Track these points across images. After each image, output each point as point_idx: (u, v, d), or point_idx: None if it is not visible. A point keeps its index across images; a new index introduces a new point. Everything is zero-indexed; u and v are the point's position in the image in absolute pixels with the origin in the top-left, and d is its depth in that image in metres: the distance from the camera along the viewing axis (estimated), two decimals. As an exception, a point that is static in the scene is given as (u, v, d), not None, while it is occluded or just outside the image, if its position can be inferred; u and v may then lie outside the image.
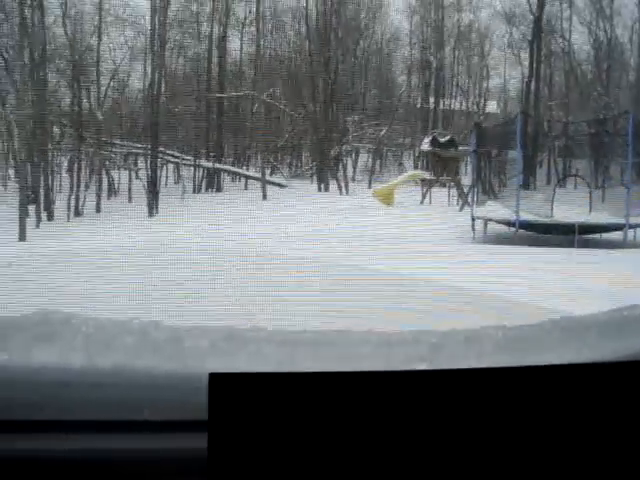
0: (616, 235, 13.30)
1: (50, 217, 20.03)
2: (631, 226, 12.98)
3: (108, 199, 23.10)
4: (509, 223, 13.75)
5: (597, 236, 13.52)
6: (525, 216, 13.48)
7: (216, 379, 0.82)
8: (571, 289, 7.06)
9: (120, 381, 0.97)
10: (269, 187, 23.16)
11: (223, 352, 1.02)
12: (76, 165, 22.14)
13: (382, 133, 27.85)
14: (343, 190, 23.08)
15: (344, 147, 26.87)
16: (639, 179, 15.62)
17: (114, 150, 24.55)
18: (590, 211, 13.73)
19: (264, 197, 22.33)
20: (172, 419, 0.96)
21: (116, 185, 24.67)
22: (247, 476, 0.83)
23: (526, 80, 25.38)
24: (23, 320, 1.02)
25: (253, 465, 0.82)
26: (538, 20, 23.99)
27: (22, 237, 15.67)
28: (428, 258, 8.95)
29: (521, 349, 1.09)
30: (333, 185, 23.51)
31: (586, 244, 12.72)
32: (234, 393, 0.82)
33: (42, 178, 20.63)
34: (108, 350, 1.00)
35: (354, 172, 28.04)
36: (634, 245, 12.69)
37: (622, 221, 12.96)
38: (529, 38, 25.01)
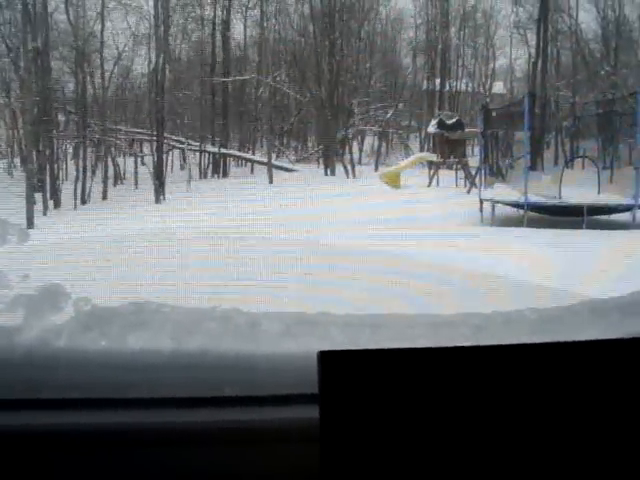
0: (625, 216, 13.23)
1: (57, 204, 20.04)
2: (640, 207, 12.92)
3: (114, 186, 23.10)
4: (517, 205, 13.68)
5: (606, 217, 13.45)
6: (533, 198, 13.40)
7: (325, 356, 0.92)
8: (586, 271, 7.02)
9: (205, 362, 1.06)
10: (275, 171, 23.09)
11: (295, 335, 1.12)
12: (81, 152, 22.11)
13: (388, 115, 27.70)
14: (350, 174, 22.98)
15: (350, 130, 26.74)
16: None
17: (119, 136, 24.52)
18: (599, 192, 13.64)
19: (270, 181, 22.27)
20: (248, 395, 1.06)
21: (122, 172, 24.68)
22: (356, 442, 0.93)
23: (533, 60, 25.15)
24: (119, 309, 1.10)
25: (360, 432, 0.93)
26: (544, -1, 23.73)
27: (30, 225, 15.70)
28: (440, 243, 8.92)
29: (553, 330, 1.19)
30: (340, 168, 23.41)
31: (595, 225, 12.65)
32: (343, 369, 0.92)
33: (48, 166, 20.63)
34: (194, 334, 1.08)
35: (360, 155, 27.92)
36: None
37: (631, 202, 12.89)
38: (535, 17, 24.77)
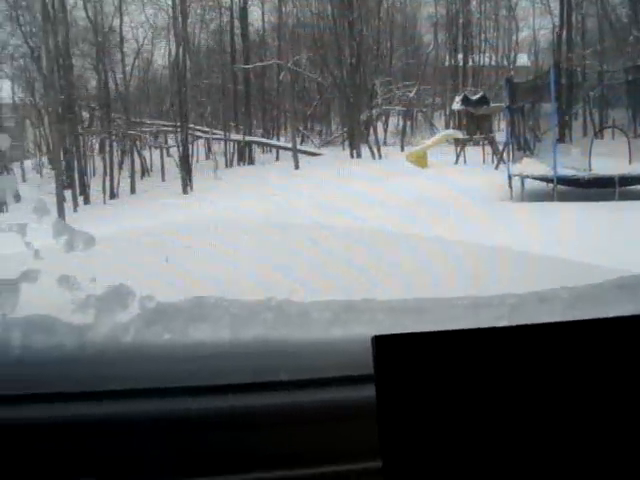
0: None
1: (87, 200, 20.26)
2: (674, 175, 12.62)
3: (141, 179, 23.26)
4: (547, 179, 13.46)
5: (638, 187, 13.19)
6: (563, 171, 13.16)
7: (380, 341, 0.99)
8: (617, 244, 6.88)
9: (261, 350, 1.16)
10: (301, 156, 23.03)
11: (344, 322, 1.19)
12: (107, 147, 22.27)
13: (411, 94, 27.43)
14: (376, 155, 22.82)
15: (374, 111, 26.54)
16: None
17: (143, 129, 24.64)
18: (630, 162, 13.35)
19: (296, 167, 22.23)
20: (305, 378, 1.16)
21: (148, 164, 24.84)
22: (411, 419, 1.00)
23: (557, 30, 24.67)
24: (181, 304, 1.20)
25: (416, 414, 1.00)
26: (567, -35, 23.23)
27: (60, 222, 15.85)
28: (473, 221, 8.82)
29: (585, 308, 1.24)
30: (365, 150, 23.25)
31: (627, 196, 12.41)
32: (396, 352, 1.00)
33: (75, 162, 20.82)
34: (251, 325, 1.18)
35: (385, 135, 27.73)
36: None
37: (664, 170, 12.61)
38: (558, -15, 24.25)
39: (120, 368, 1.13)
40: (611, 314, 1.16)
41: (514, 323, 1.10)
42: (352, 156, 23.71)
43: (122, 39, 24.59)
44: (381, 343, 1.00)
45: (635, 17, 23.84)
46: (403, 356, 1.01)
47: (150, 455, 1.12)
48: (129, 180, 21.55)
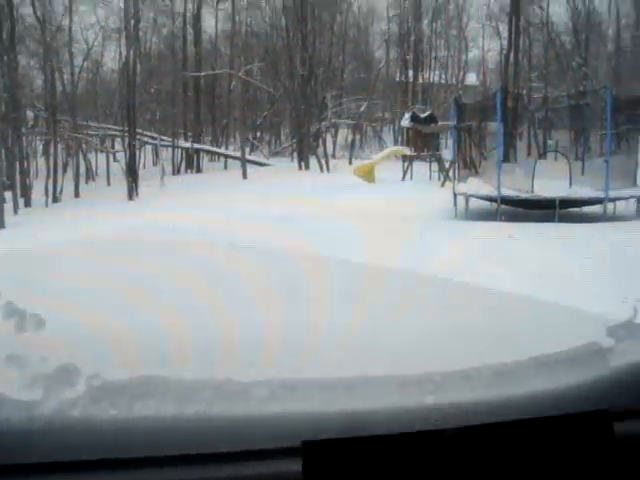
0: (596, 208, 13.34)
1: (28, 203, 19.74)
2: (610, 199, 13.01)
3: (86, 183, 22.83)
4: (491, 199, 13.73)
5: (577, 210, 13.56)
6: (507, 192, 13.46)
7: (308, 446, 1.04)
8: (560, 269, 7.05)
9: (202, 425, 1.16)
10: (249, 166, 22.95)
11: (280, 398, 1.23)
12: (52, 149, 21.76)
13: (362, 108, 27.65)
14: (324, 167, 22.87)
15: (323, 123, 26.67)
16: (618, 151, 15.63)
17: (90, 132, 24.20)
18: (570, 185, 13.72)
19: (244, 176, 22.14)
20: (240, 450, 1.16)
21: (94, 169, 24.40)
22: None
23: (505, 52, 25.25)
24: (126, 382, 1.21)
25: None
26: (516, -9, 23.80)
27: (0, 224, 15.46)
28: (411, 239, 8.92)
29: (505, 385, 1.25)
30: (314, 162, 23.30)
31: (566, 218, 12.75)
32: (323, 457, 1.05)
33: (17, 163, 20.29)
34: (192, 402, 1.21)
35: (334, 148, 27.86)
36: (613, 218, 12.72)
37: (602, 195, 12.98)
38: (507, 10, 24.84)
39: (68, 439, 1.13)
40: (529, 390, 1.21)
41: (439, 401, 1.16)
42: (300, 167, 23.76)
43: (71, 39, 24.15)
44: (309, 448, 1.06)
45: (578, 44, 24.61)
46: (330, 460, 1.06)
47: None
48: (73, 183, 21.10)
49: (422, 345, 1.34)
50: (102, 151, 24.63)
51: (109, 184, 22.54)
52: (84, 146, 23.32)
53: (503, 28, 27.25)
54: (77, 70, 24.75)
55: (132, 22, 23.25)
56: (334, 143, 28.47)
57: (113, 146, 25.26)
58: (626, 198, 13.22)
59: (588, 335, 1.32)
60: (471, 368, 1.24)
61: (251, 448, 1.18)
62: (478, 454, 1.11)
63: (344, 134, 29.38)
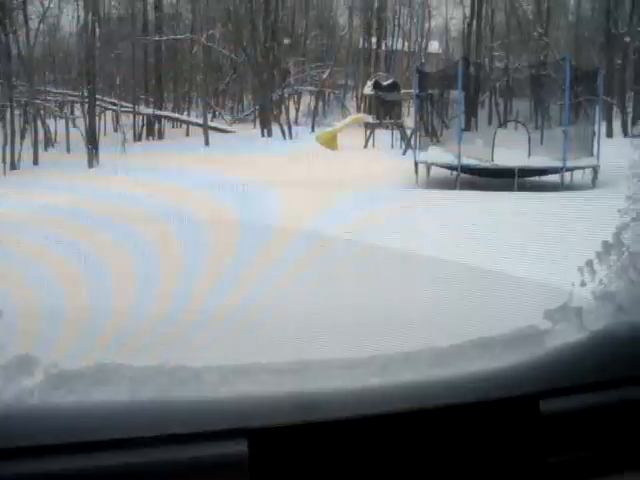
0: (555, 177, 13.60)
1: (-17, 170, 19.33)
2: (568, 169, 13.30)
3: (45, 150, 22.37)
4: (451, 167, 13.91)
5: (536, 179, 13.82)
6: (467, 161, 13.64)
7: (253, 434, 1.11)
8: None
9: (155, 408, 1.20)
10: (212, 133, 22.76)
11: (232, 383, 1.28)
12: (9, 115, 21.26)
13: (324, 75, 27.51)
14: (286, 134, 22.81)
15: (286, 90, 26.49)
16: (576, 121, 15.88)
17: (48, 98, 23.69)
18: (529, 155, 13.94)
19: (206, 143, 21.97)
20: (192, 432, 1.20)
21: (53, 135, 23.91)
22: None
23: (467, 20, 25.31)
24: (83, 370, 1.25)
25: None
26: (479, -42, 23.79)
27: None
28: (373, 207, 9.02)
29: (446, 365, 1.32)
30: (276, 129, 23.20)
31: (525, 187, 12.99)
32: (269, 444, 1.12)
33: (-27, 130, 19.81)
34: (147, 387, 1.24)
35: (297, 115, 27.71)
36: (570, 187, 13.01)
37: (559, 164, 13.25)
38: (470, -23, 24.83)
39: (28, 426, 1.15)
40: (471, 370, 1.30)
41: (384, 382, 1.23)
42: (263, 135, 23.63)
43: (26, 1, 23.48)
44: (255, 436, 1.12)
45: (539, 14, 24.74)
46: (276, 447, 1.13)
47: None
48: (32, 150, 20.69)
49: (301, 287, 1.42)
50: (61, 117, 24.15)
51: (69, 151, 22.16)
52: (42, 112, 22.84)
53: (466, -4, 27.24)
54: (33, 33, 24.08)
55: (90, -16, 22.67)
56: (297, 110, 28.31)
57: (72, 112, 24.77)
58: (583, 168, 13.50)
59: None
60: (414, 351, 1.33)
61: (201, 430, 1.21)
62: (416, 439, 1.20)
63: (307, 101, 29.22)
